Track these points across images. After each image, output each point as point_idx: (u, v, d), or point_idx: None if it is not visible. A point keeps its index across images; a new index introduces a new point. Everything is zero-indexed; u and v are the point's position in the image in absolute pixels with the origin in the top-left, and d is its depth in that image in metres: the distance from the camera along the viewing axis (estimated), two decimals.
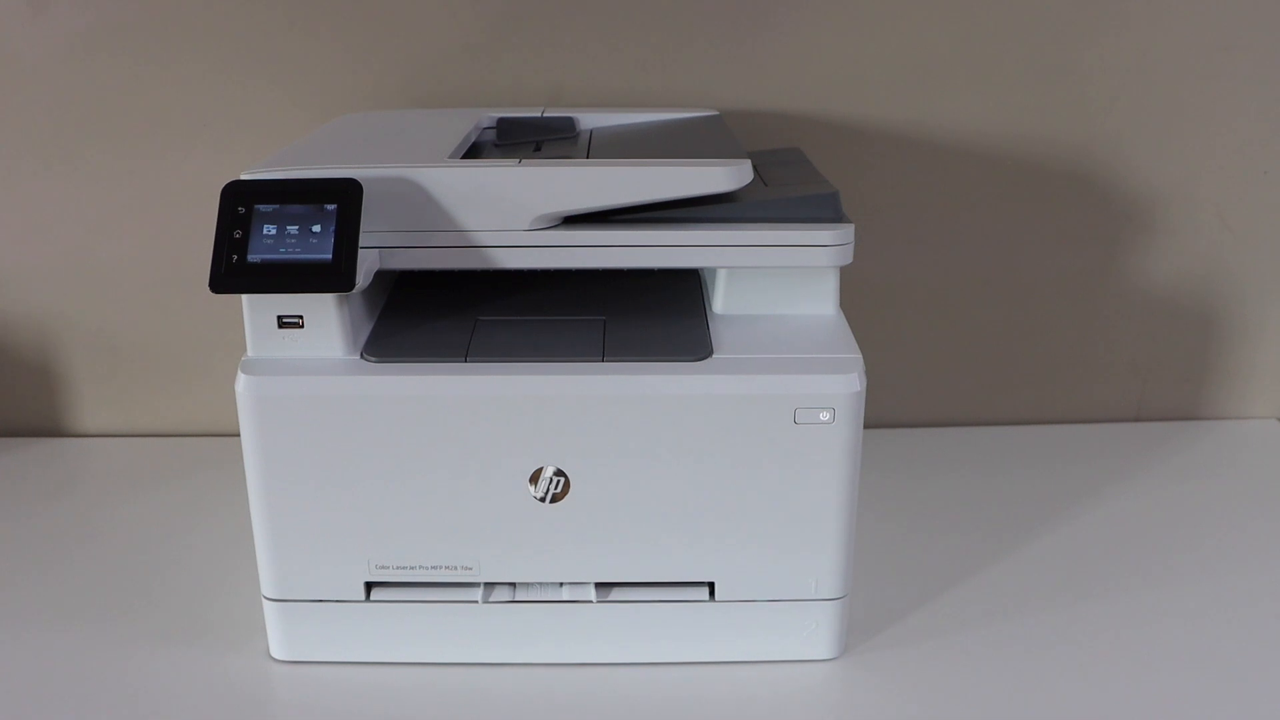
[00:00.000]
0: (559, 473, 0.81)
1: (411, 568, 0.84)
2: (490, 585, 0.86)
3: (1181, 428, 1.31)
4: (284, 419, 0.80)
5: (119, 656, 0.89)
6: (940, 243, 1.25)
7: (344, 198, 0.79)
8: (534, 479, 0.81)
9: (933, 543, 1.06)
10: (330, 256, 0.77)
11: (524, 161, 0.84)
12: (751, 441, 0.80)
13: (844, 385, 0.80)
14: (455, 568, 0.84)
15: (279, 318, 0.81)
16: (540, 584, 0.86)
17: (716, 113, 1.12)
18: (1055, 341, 1.30)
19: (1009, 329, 1.29)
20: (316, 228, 0.78)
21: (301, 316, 0.81)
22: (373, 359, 0.81)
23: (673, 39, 1.17)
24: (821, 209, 0.85)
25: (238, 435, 0.81)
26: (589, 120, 1.09)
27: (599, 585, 0.86)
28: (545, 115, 1.10)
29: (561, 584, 0.86)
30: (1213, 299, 1.29)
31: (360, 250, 0.78)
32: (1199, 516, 1.11)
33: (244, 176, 0.80)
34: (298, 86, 1.18)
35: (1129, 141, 1.21)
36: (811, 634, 0.87)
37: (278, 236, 0.78)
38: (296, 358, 0.81)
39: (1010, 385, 1.31)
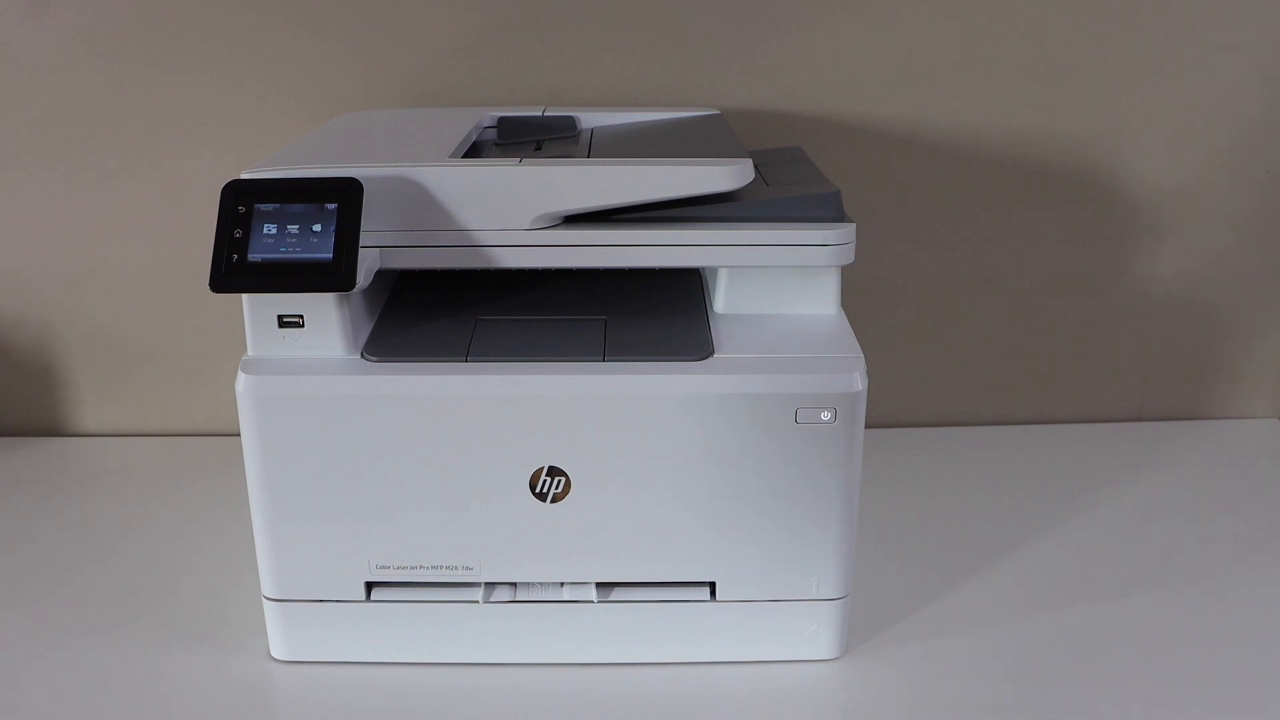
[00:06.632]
0: (559, 472, 0.81)
1: (412, 568, 0.84)
2: (491, 585, 0.86)
3: (1183, 427, 1.31)
4: (284, 419, 0.80)
5: (118, 656, 0.89)
6: (941, 243, 1.25)
7: (344, 197, 0.79)
8: (534, 479, 0.81)
9: (933, 543, 1.06)
10: (331, 256, 0.77)
11: (525, 161, 0.84)
12: (752, 441, 0.80)
13: (845, 385, 0.80)
14: (456, 568, 0.84)
15: (279, 317, 0.81)
16: (541, 584, 0.86)
17: (717, 112, 1.12)
18: (1056, 341, 1.30)
19: (1009, 329, 1.29)
20: (317, 227, 0.78)
21: (302, 316, 0.80)
22: (373, 359, 0.81)
23: (673, 38, 1.17)
24: (823, 208, 0.84)
25: (238, 435, 0.81)
26: (590, 119, 1.09)
27: (599, 585, 0.86)
28: (546, 114, 1.10)
29: (562, 584, 0.86)
30: (1214, 299, 1.29)
31: (361, 249, 0.78)
32: (1199, 516, 1.11)
33: (244, 176, 0.80)
34: (298, 86, 1.18)
35: (1130, 141, 1.21)
36: (812, 634, 0.87)
37: (278, 236, 0.78)
38: (297, 357, 0.81)
39: (1010, 385, 1.31)
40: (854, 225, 0.84)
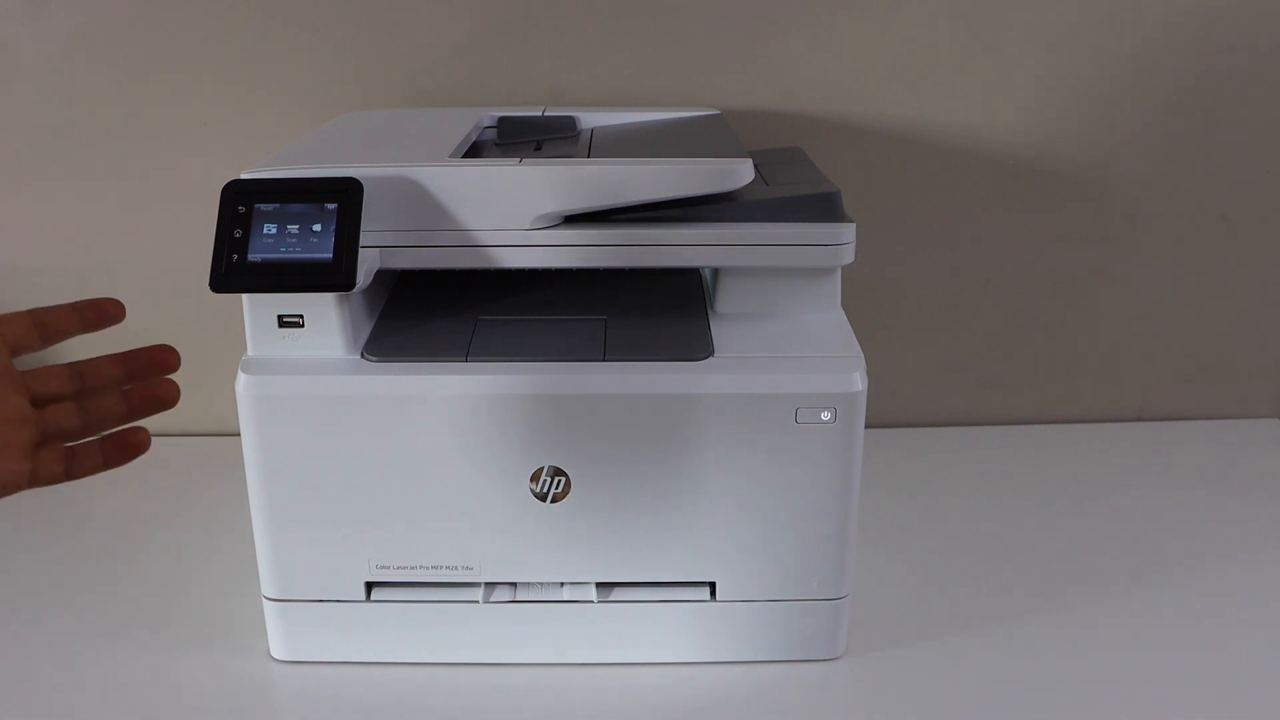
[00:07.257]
0: (559, 472, 0.81)
1: (412, 568, 0.84)
2: (491, 585, 0.86)
3: (1183, 427, 1.31)
4: (284, 419, 0.80)
5: (118, 656, 0.89)
6: (940, 243, 1.25)
7: (344, 197, 0.79)
8: (534, 479, 0.81)
9: (933, 543, 1.06)
10: (331, 256, 0.77)
11: (525, 161, 0.84)
12: (752, 441, 0.80)
13: (845, 385, 0.80)
14: (456, 568, 0.84)
15: (279, 317, 0.81)
16: (541, 584, 0.86)
17: (717, 112, 1.12)
18: (1056, 341, 1.30)
19: (1009, 329, 1.29)
20: (317, 227, 0.78)
21: (302, 316, 0.80)
22: (373, 358, 0.81)
23: (673, 38, 1.17)
24: (823, 208, 0.84)
25: (238, 435, 0.81)
26: (590, 119, 1.09)
27: (600, 585, 0.86)
28: (546, 114, 1.10)
29: (562, 584, 0.86)
30: (1214, 299, 1.29)
31: (361, 249, 0.78)
32: (1199, 516, 1.11)
33: (244, 176, 0.80)
34: (298, 86, 1.17)
35: (1130, 141, 1.21)
36: (811, 634, 0.87)
37: (278, 236, 0.78)
38: (297, 357, 0.81)
39: (1010, 385, 1.31)
40: (854, 225, 0.84)
